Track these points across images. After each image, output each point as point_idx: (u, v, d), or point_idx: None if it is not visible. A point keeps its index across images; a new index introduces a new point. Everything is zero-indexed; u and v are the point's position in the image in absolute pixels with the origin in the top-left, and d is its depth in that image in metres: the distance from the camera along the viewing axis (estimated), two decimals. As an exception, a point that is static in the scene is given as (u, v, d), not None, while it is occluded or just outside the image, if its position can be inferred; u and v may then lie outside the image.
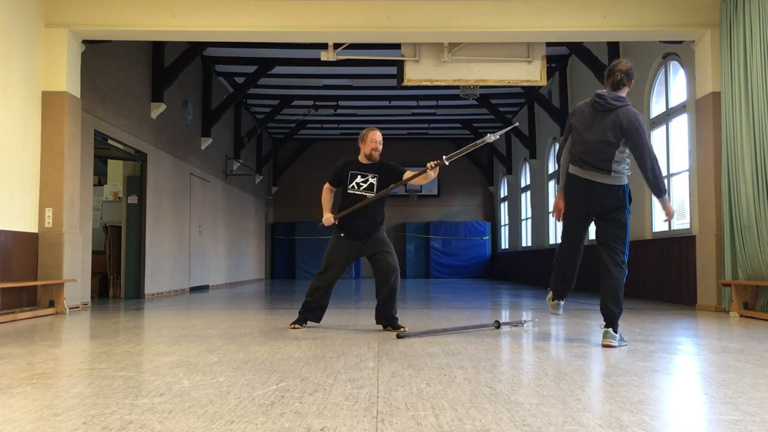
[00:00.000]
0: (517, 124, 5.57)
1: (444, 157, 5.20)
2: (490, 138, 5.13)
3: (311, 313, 5.49)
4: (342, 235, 5.38)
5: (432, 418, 2.37)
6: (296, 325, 5.45)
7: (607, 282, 4.44)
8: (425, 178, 5.22)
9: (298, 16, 7.86)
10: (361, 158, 5.38)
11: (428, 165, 5.12)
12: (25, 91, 7.19)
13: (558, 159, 4.85)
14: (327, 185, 5.52)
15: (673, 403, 2.80)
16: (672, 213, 4.68)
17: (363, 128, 5.53)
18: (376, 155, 5.34)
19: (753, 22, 6.69)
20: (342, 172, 5.39)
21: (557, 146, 14.43)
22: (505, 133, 5.07)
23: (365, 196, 5.27)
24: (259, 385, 2.99)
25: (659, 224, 9.56)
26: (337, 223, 5.36)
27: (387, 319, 5.33)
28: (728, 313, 6.88)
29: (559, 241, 4.89)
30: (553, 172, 14.97)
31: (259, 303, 9.48)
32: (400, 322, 5.35)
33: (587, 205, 4.53)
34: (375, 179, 5.32)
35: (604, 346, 4.32)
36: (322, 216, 5.43)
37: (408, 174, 5.32)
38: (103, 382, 3.07)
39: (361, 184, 5.30)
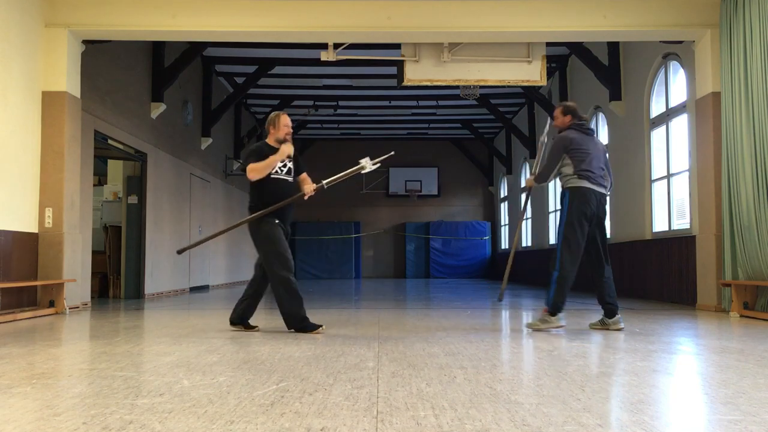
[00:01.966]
0: (392, 152, 5.95)
1: (324, 182, 5.28)
2: (367, 166, 5.29)
3: (307, 319, 5.15)
4: (277, 221, 5.16)
5: (432, 418, 2.37)
6: (320, 329, 5.12)
7: (609, 286, 5.34)
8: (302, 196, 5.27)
9: (298, 16, 7.86)
10: (272, 143, 5.27)
11: (308, 190, 5.22)
12: (25, 91, 7.19)
13: (546, 179, 5.52)
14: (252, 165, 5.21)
15: (673, 403, 2.80)
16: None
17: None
18: (290, 139, 5.31)
19: (753, 22, 6.69)
20: (262, 155, 5.17)
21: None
22: (382, 160, 5.51)
23: (287, 180, 5.24)
24: (259, 385, 2.99)
25: (659, 224, 9.56)
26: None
27: (241, 322, 5.34)
28: (728, 313, 6.88)
29: (570, 254, 5.22)
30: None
31: (259, 303, 9.46)
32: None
33: (594, 213, 5.24)
34: (291, 163, 5.31)
35: (620, 329, 5.27)
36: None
37: (305, 182, 5.35)
38: (103, 382, 3.07)
39: (281, 168, 5.23)
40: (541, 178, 5.53)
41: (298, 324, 5.12)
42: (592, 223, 5.23)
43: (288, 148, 5.21)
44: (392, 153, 5.94)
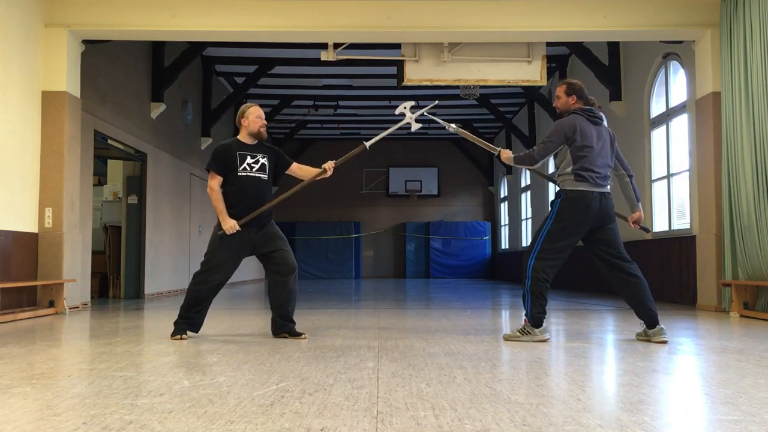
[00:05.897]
0: (437, 101, 5.32)
1: (366, 143, 4.87)
2: (407, 115, 5.00)
3: (190, 321, 4.80)
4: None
5: (432, 418, 2.37)
6: (182, 336, 4.74)
7: (639, 286, 4.59)
8: (320, 175, 4.94)
9: (298, 16, 7.87)
10: (244, 138, 4.83)
11: (329, 165, 4.89)
12: (25, 91, 7.19)
13: (534, 162, 4.69)
14: (216, 178, 4.72)
15: (673, 403, 2.79)
16: None
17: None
18: (264, 132, 4.88)
19: (753, 22, 6.69)
20: (228, 155, 4.74)
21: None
22: (426, 110, 5.20)
23: (259, 177, 4.77)
24: (259, 385, 2.99)
25: (659, 224, 9.56)
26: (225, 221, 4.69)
27: (287, 328, 4.79)
28: (728, 313, 6.88)
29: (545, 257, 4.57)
30: (553, 172, 14.94)
31: (259, 303, 9.47)
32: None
33: (596, 217, 4.56)
34: (266, 159, 4.84)
35: (663, 342, 4.47)
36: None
37: (305, 170, 5.04)
38: (103, 382, 3.07)
39: (252, 165, 4.75)
40: (526, 160, 4.69)
41: (177, 319, 4.85)
42: (595, 229, 4.57)
43: (231, 226, 4.63)
44: (436, 102, 5.21)
